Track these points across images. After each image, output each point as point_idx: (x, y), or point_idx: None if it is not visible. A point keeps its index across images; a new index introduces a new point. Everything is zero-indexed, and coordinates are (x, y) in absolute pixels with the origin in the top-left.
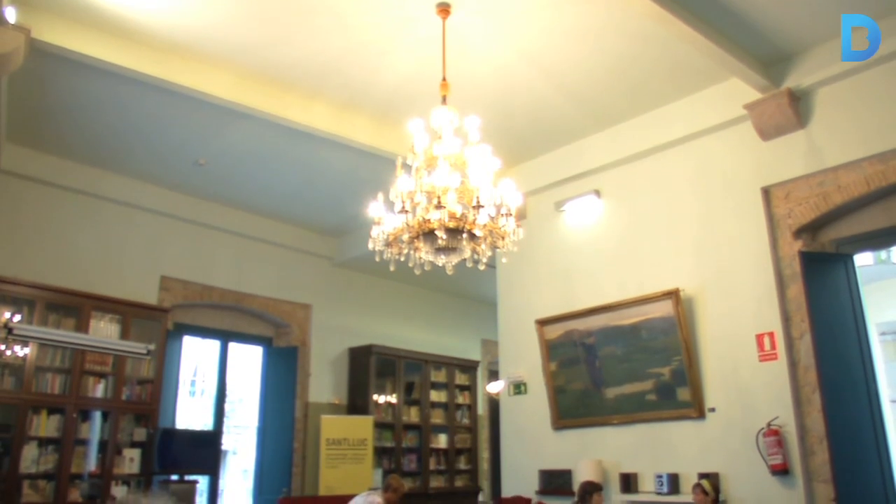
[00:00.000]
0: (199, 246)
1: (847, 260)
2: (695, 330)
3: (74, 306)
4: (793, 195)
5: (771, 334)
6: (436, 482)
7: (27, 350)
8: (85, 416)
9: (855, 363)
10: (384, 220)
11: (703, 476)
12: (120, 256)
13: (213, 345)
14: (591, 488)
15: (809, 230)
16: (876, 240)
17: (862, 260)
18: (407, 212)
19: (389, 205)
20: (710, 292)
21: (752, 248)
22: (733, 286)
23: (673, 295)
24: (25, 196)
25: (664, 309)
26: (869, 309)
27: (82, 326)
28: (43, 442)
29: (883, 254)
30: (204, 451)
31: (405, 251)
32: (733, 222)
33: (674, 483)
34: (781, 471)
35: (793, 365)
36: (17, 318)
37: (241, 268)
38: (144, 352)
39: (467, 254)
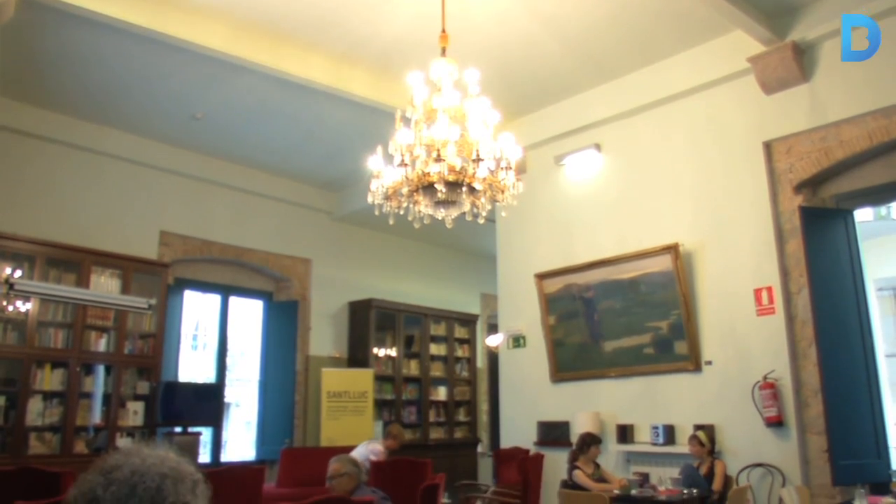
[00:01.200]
0: (198, 201)
1: (847, 215)
2: (693, 284)
3: (75, 261)
4: (794, 150)
5: (769, 289)
6: (435, 434)
7: (29, 305)
8: (88, 369)
9: (852, 318)
10: (383, 174)
11: (698, 428)
12: (118, 211)
13: (214, 299)
14: (591, 440)
15: (810, 185)
16: (876, 195)
17: (862, 215)
18: (406, 165)
19: (388, 158)
20: (709, 247)
21: (751, 202)
22: (732, 241)
23: (672, 249)
24: (21, 151)
25: (663, 263)
26: (867, 264)
27: (83, 281)
28: (47, 395)
29: (883, 209)
30: (206, 403)
31: (404, 205)
32: (734, 177)
33: (669, 434)
34: (776, 423)
35: (790, 319)
36: (18, 273)
37: (241, 222)
38: (145, 306)
39: (466, 207)
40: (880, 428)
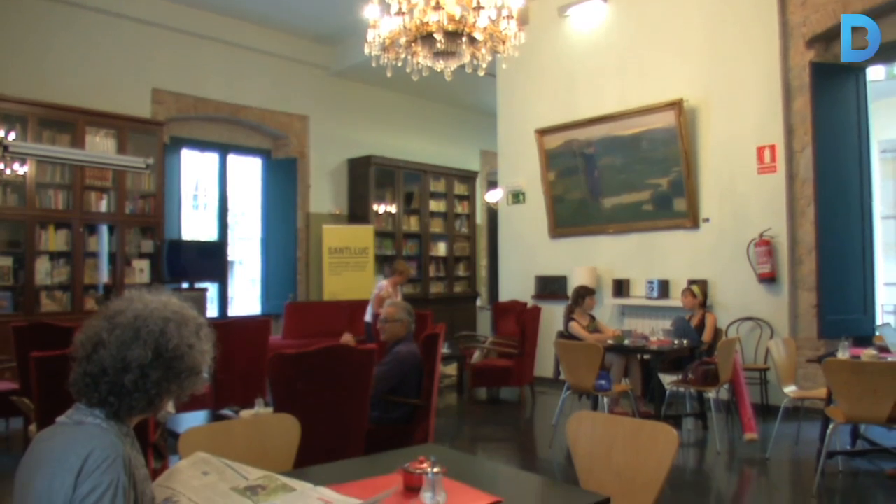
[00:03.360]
0: (188, 56)
1: (858, 73)
2: (696, 141)
3: (68, 122)
4: (810, 1)
5: (772, 147)
6: (435, 288)
7: (26, 168)
8: (91, 230)
9: (853, 178)
10: (380, 24)
11: (692, 283)
12: (108, 69)
13: (212, 158)
14: (585, 292)
15: (823, 40)
16: (891, 52)
17: (873, 74)
18: (404, 14)
19: (386, 7)
20: (714, 103)
21: (761, 57)
22: (738, 97)
23: (676, 105)
24: (2, 7)
25: (666, 119)
26: (873, 125)
27: (77, 142)
28: (54, 256)
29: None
30: (211, 260)
31: (402, 56)
32: (743, 30)
33: (664, 288)
34: (769, 279)
35: (791, 178)
36: (12, 136)
37: (234, 79)
38: (143, 166)
39: (466, 59)
40: (869, 286)
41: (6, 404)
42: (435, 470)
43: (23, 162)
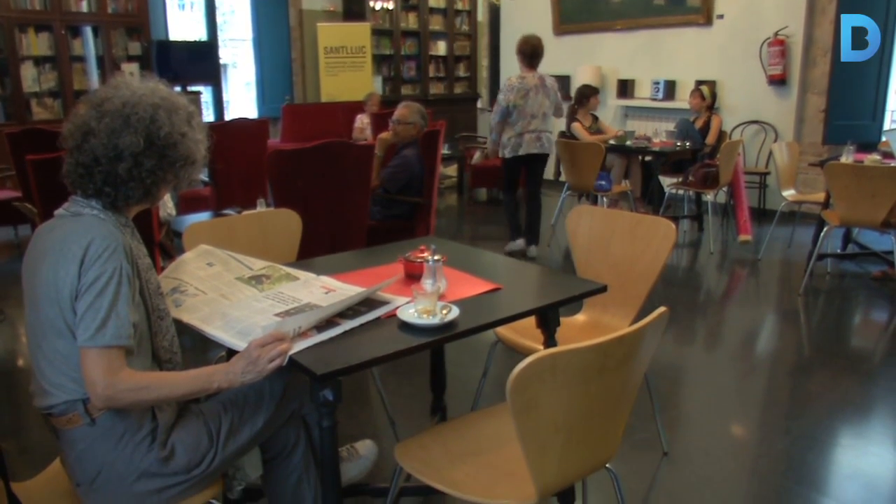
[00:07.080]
0: None
1: None
2: None
3: None
4: None
5: None
6: (435, 89)
7: None
8: (75, 32)
9: None
10: None
11: (700, 83)
12: None
13: None
14: (588, 91)
15: None
16: None
17: None
18: None
19: None
20: None
21: None
22: None
23: None
24: None
25: None
26: None
27: None
28: (39, 60)
29: None
30: (202, 63)
31: None
32: None
33: (670, 89)
34: (779, 80)
35: None
36: None
37: None
38: None
39: None
40: (882, 91)
41: (11, 211)
42: (435, 258)
43: None
